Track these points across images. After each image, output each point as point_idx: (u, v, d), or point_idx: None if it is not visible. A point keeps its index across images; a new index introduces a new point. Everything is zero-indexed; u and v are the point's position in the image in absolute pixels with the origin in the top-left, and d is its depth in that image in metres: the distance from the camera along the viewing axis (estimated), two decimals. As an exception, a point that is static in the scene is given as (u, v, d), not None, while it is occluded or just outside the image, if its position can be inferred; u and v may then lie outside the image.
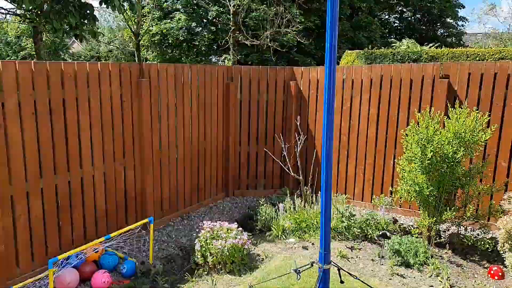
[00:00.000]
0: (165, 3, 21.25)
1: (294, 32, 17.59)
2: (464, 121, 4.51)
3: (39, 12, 7.23)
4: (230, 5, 16.08)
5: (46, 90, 4.11)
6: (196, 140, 6.22)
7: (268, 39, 17.13)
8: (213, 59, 26.46)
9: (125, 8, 9.57)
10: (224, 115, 6.77)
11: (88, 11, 7.71)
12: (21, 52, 29.46)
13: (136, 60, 20.83)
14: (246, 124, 7.00)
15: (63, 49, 30.44)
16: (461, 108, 4.68)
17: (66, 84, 4.28)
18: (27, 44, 27.37)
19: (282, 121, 7.11)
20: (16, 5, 6.97)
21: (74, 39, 10.19)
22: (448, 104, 5.41)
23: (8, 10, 9.87)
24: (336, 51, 2.26)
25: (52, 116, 4.21)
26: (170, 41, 21.16)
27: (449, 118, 4.75)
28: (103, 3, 7.95)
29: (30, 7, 6.86)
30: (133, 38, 21.11)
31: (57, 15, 6.91)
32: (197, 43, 21.63)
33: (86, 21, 7.74)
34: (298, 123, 6.30)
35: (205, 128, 6.37)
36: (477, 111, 4.62)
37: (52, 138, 4.24)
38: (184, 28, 20.38)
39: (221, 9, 19.14)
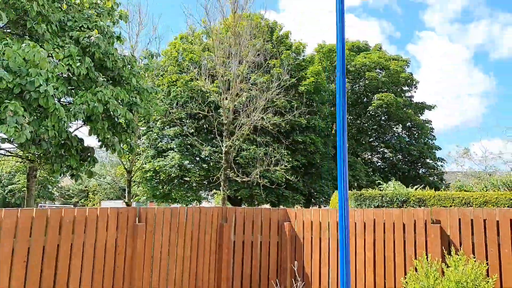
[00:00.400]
0: (160, 143, 22.37)
1: (283, 170, 18.32)
2: (463, 269, 4.47)
3: (41, 155, 7.54)
4: (223, 146, 17.02)
5: (43, 236, 4.06)
6: (186, 284, 5.93)
7: (258, 176, 17.71)
8: (203, 194, 26.80)
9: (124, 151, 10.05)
10: (217, 257, 6.60)
11: (89, 154, 8.05)
12: (9, 186, 29.57)
13: (126, 196, 20.98)
14: (239, 266, 6.78)
15: (52, 183, 30.76)
16: (457, 255, 4.68)
17: (63, 229, 4.25)
18: (19, 180, 27.66)
19: (277, 264, 6.91)
20: (23, 149, 7.29)
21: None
22: (444, 250, 5.41)
23: (9, 150, 10.26)
24: (348, 213, 2.37)
25: (44, 263, 4.06)
26: (161, 178, 21.67)
27: (447, 265, 4.71)
28: (103, 147, 8.36)
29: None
30: (125, 174, 21.64)
31: (58, 158, 7.19)
32: (188, 179, 22.19)
33: (85, 163, 8.01)
34: (295, 269, 6.13)
35: (196, 270, 6.14)
36: (474, 259, 4.62)
37: (40, 285, 4.03)
38: (176, 165, 21.11)
39: (213, 148, 20.16)
